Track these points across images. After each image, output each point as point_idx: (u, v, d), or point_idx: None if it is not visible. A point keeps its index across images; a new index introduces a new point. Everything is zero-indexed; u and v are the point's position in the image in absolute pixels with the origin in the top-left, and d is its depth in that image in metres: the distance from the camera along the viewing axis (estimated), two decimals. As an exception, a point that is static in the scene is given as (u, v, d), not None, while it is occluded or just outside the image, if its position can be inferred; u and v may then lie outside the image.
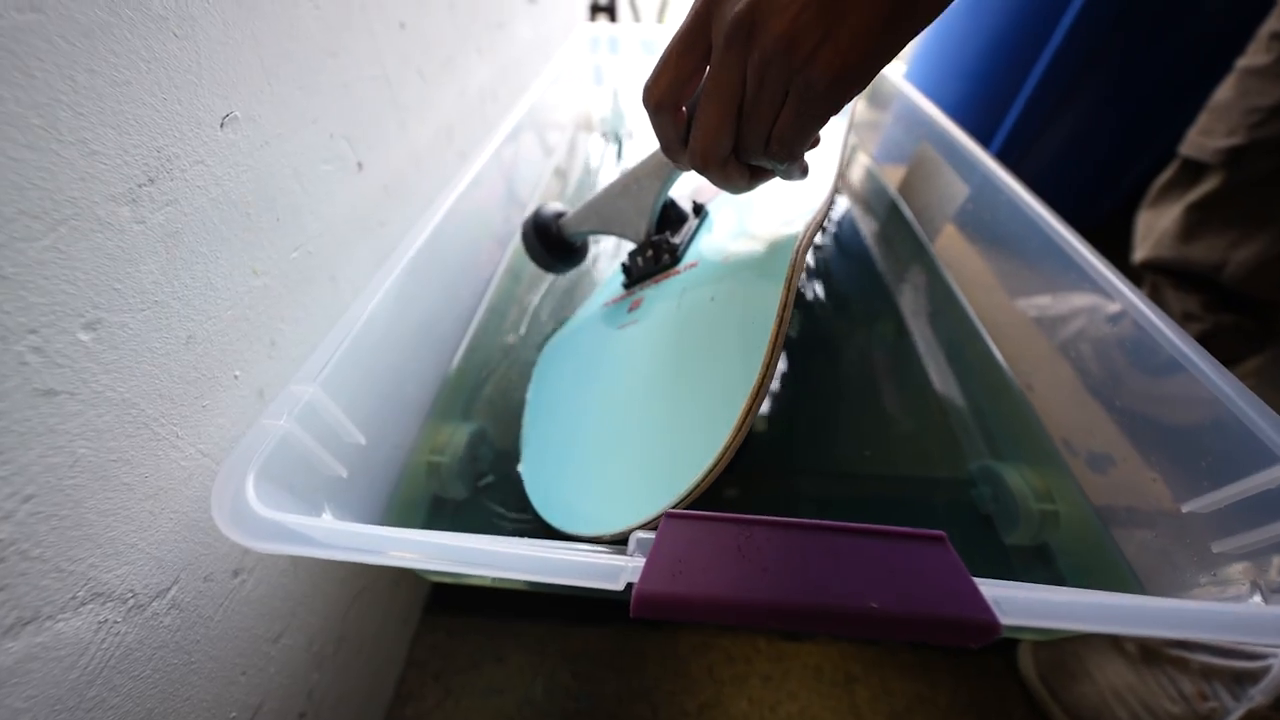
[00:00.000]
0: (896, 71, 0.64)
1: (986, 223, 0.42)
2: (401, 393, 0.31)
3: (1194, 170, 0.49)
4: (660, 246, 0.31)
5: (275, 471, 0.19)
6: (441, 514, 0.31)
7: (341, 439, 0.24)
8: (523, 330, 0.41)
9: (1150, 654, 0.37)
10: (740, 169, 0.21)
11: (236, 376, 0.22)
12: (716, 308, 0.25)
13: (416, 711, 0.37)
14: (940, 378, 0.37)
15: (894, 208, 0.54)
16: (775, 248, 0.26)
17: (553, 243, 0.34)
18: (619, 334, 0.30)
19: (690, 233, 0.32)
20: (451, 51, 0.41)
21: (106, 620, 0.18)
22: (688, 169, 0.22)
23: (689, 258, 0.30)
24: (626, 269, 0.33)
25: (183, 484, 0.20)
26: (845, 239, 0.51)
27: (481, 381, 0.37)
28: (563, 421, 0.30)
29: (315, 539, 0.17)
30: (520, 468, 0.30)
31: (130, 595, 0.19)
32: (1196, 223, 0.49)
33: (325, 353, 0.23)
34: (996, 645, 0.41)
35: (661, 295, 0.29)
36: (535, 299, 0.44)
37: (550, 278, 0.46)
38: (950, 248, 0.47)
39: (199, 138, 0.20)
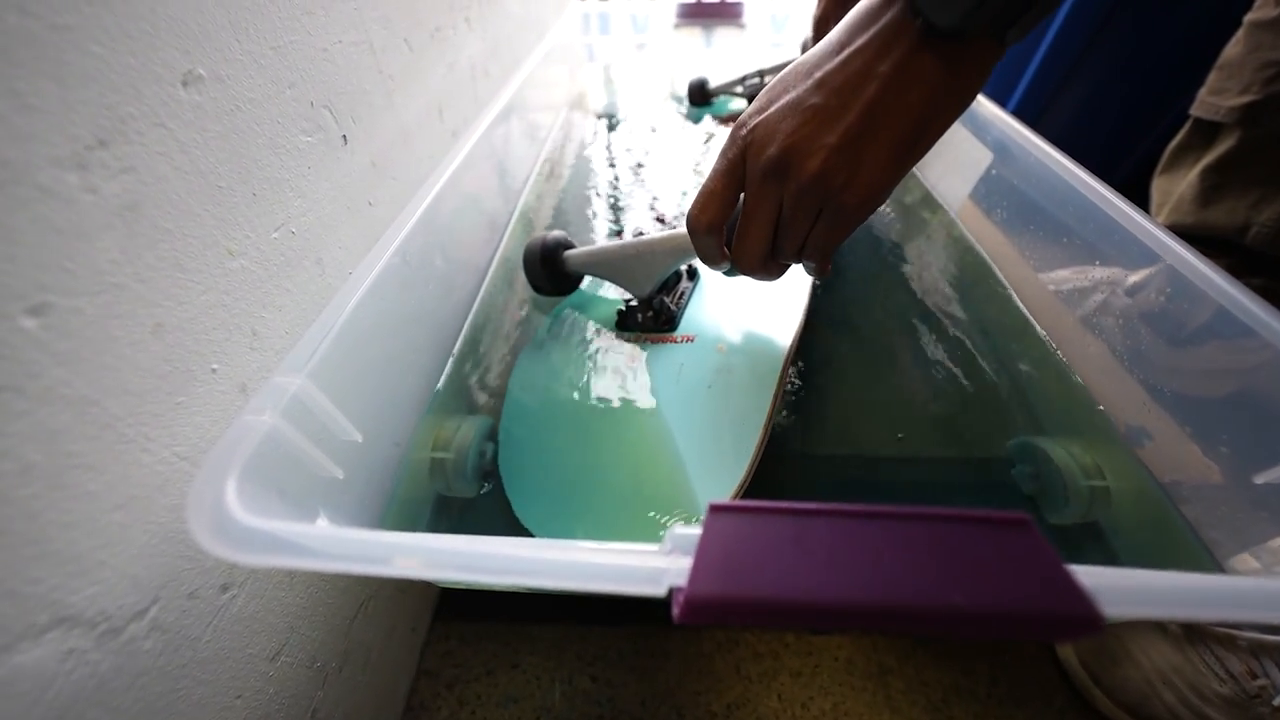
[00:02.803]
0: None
1: (1012, 189, 0.40)
2: (399, 385, 0.29)
3: (1208, 131, 0.47)
4: (661, 310, 0.34)
5: (261, 473, 0.17)
6: (446, 515, 0.29)
7: (336, 436, 0.21)
8: (523, 313, 0.39)
9: (1195, 633, 0.35)
10: (776, 267, 0.25)
11: (215, 370, 0.20)
12: (714, 395, 0.29)
13: (429, 723, 0.35)
14: (974, 353, 0.35)
15: (911, 178, 0.51)
16: (764, 356, 0.30)
17: (554, 271, 0.36)
18: (617, 377, 0.31)
19: (687, 296, 0.35)
20: (440, 21, 0.38)
21: (75, 648, 0.16)
22: (723, 271, 0.27)
23: (686, 326, 0.34)
24: (624, 316, 0.35)
25: (157, 491, 0.18)
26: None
27: (485, 372, 0.35)
28: (560, 450, 0.29)
29: (312, 549, 0.15)
30: (507, 490, 0.28)
31: (102, 619, 0.16)
32: (1215, 185, 0.47)
33: (312, 341, 0.21)
34: (1031, 629, 0.39)
35: (659, 359, 0.32)
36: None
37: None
38: (966, 224, 0.45)
39: (158, 97, 0.17)
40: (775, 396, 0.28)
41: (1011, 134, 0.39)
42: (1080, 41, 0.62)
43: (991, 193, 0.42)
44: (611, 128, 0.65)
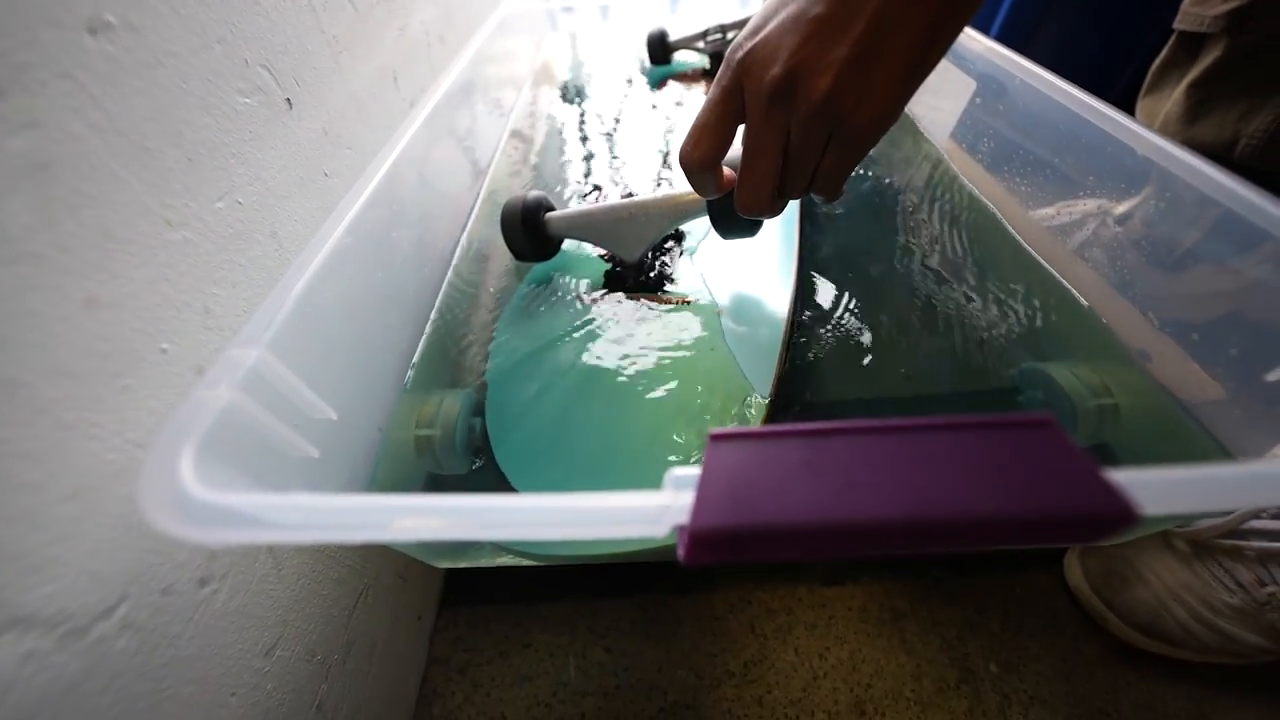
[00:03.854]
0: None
1: (998, 120, 0.38)
2: (373, 361, 0.27)
3: (1193, 44, 0.45)
4: (653, 272, 0.33)
5: (223, 450, 0.15)
6: (441, 490, 0.27)
7: (306, 413, 0.20)
8: (502, 283, 0.37)
9: (1202, 548, 0.35)
10: (782, 203, 0.23)
11: (165, 350, 0.18)
12: (718, 356, 0.29)
13: (444, 710, 0.34)
14: (973, 285, 0.34)
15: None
16: (765, 318, 0.30)
17: (535, 235, 0.33)
18: (608, 343, 0.30)
19: (675, 258, 0.34)
20: (384, -21, 0.36)
21: (34, 650, 0.14)
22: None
23: (679, 289, 0.33)
24: (612, 278, 0.34)
25: (112, 481, 0.16)
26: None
27: (465, 344, 0.34)
28: (556, 415, 0.28)
29: (283, 521, 0.13)
30: (500, 461, 0.27)
31: (63, 618, 0.15)
32: (1201, 100, 0.45)
33: (268, 313, 0.19)
34: (1040, 558, 0.39)
35: (656, 321, 0.31)
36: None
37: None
38: (953, 159, 0.43)
39: (60, 44, 0.16)
40: (781, 356, 0.27)
41: (996, 59, 0.38)
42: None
43: (976, 125, 0.41)
44: (580, 97, 0.62)
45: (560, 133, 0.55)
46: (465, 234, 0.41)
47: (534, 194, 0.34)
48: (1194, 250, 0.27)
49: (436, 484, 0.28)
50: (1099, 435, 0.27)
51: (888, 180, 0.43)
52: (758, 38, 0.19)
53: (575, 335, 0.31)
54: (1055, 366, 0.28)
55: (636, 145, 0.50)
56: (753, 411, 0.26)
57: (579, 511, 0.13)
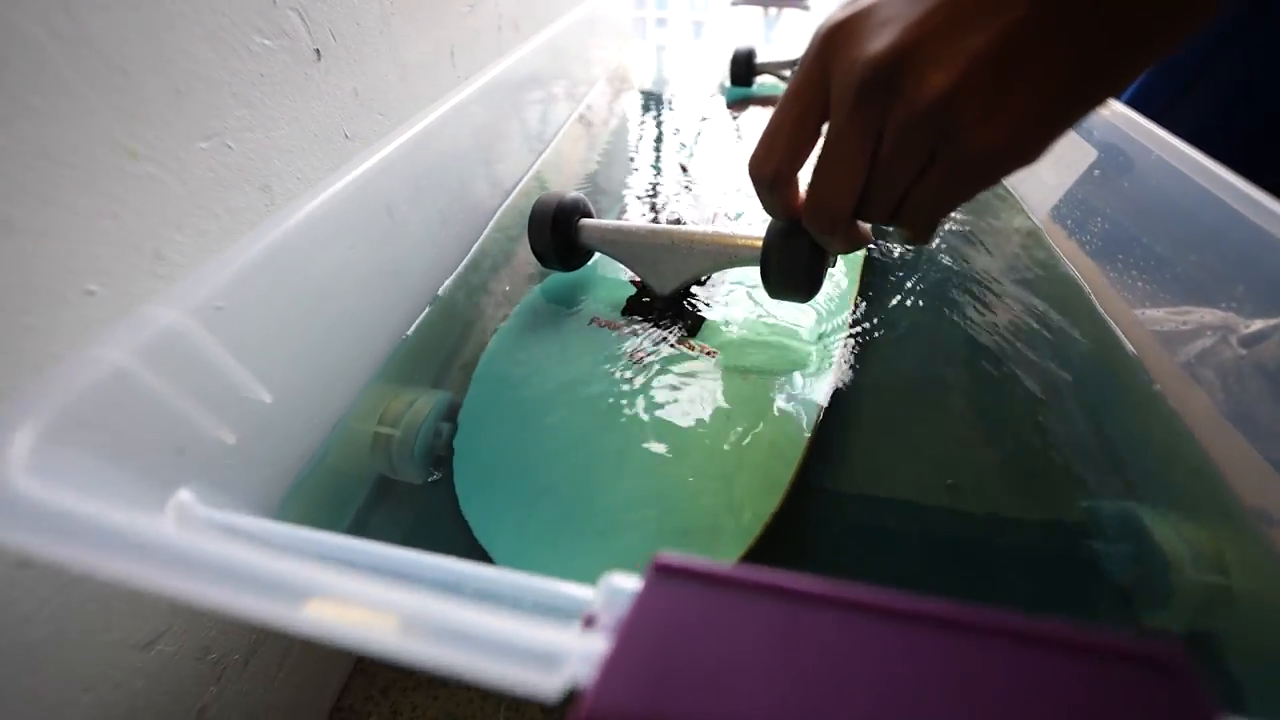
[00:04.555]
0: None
1: (1119, 198, 0.32)
2: (344, 342, 0.25)
3: None
4: (682, 312, 0.29)
5: (90, 428, 0.13)
6: (387, 499, 0.24)
7: (228, 391, 0.17)
8: (520, 285, 0.34)
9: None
10: (859, 232, 0.18)
11: (92, 292, 0.16)
12: (733, 426, 0.24)
13: (354, 731, 0.31)
14: (1051, 387, 0.28)
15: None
16: (797, 395, 0.25)
17: (564, 240, 0.29)
18: (614, 381, 0.26)
19: (715, 297, 0.30)
20: (462, -49, 0.35)
21: None
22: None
23: (706, 336, 0.28)
24: (634, 304, 0.30)
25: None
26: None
27: (459, 340, 0.31)
28: (530, 449, 0.24)
29: (77, 541, 0.10)
30: (456, 484, 0.23)
31: None
32: None
33: (212, 271, 0.17)
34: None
35: (672, 368, 0.26)
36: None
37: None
38: (1051, 235, 0.37)
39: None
40: (807, 448, 0.23)
41: (1126, 128, 0.32)
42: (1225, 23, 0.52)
43: (1088, 203, 0.35)
44: (653, 107, 0.60)
45: (621, 138, 0.53)
46: (493, 222, 0.38)
47: (572, 194, 0.30)
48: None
49: (385, 489, 0.25)
50: (1198, 621, 0.20)
51: (969, 246, 0.38)
52: (856, 8, 0.14)
53: (579, 363, 0.27)
54: (1153, 514, 0.22)
55: (697, 165, 0.47)
56: (758, 505, 0.21)
57: (430, 629, 0.09)
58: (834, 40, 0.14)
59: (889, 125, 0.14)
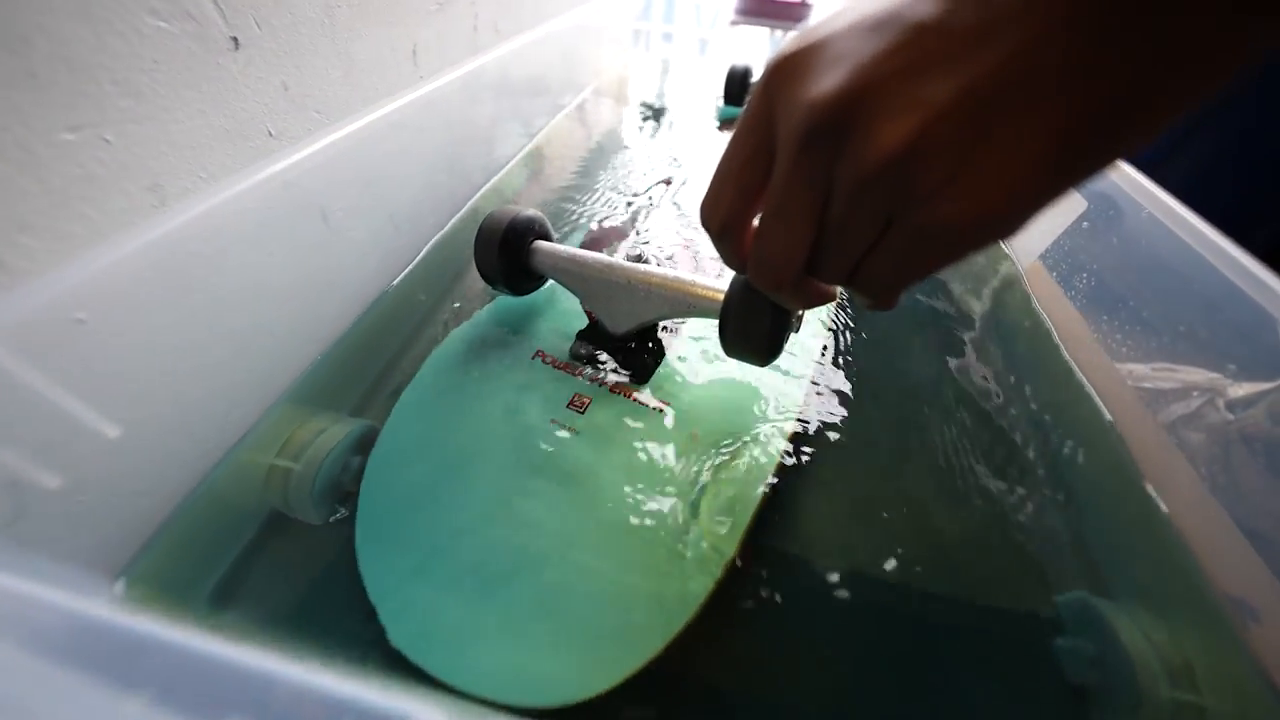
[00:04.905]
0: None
1: (1108, 252, 0.31)
2: (245, 359, 0.22)
3: None
4: (634, 357, 0.26)
5: None
6: (279, 539, 0.22)
7: (54, 427, 0.15)
8: (469, 302, 0.32)
9: None
10: (816, 289, 0.16)
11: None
12: (672, 493, 0.22)
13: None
14: (1023, 456, 0.26)
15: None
16: (746, 465, 0.23)
17: (514, 262, 0.27)
18: (551, 428, 0.23)
19: (664, 349, 0.28)
20: (430, -55, 0.33)
21: None
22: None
23: (657, 388, 0.26)
24: (584, 339, 0.27)
25: None
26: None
27: (394, 363, 0.28)
28: (444, 497, 0.21)
29: None
30: (357, 530, 0.20)
31: None
32: None
33: (75, 274, 0.14)
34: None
35: (615, 419, 0.24)
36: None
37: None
38: (1034, 287, 0.36)
39: None
40: (748, 528, 0.21)
41: (1119, 181, 0.30)
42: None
43: (1075, 254, 0.33)
44: (646, 121, 0.58)
45: (603, 151, 0.51)
46: (444, 232, 0.36)
47: (527, 212, 0.27)
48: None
49: (278, 526, 0.22)
50: (1168, 742, 0.18)
51: (944, 293, 0.36)
52: (810, 39, 0.12)
53: (513, 402, 0.24)
54: (1119, 612, 0.20)
55: (680, 184, 0.45)
56: (701, 580, 0.19)
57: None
58: (781, 75, 0.12)
59: (837, 182, 0.12)
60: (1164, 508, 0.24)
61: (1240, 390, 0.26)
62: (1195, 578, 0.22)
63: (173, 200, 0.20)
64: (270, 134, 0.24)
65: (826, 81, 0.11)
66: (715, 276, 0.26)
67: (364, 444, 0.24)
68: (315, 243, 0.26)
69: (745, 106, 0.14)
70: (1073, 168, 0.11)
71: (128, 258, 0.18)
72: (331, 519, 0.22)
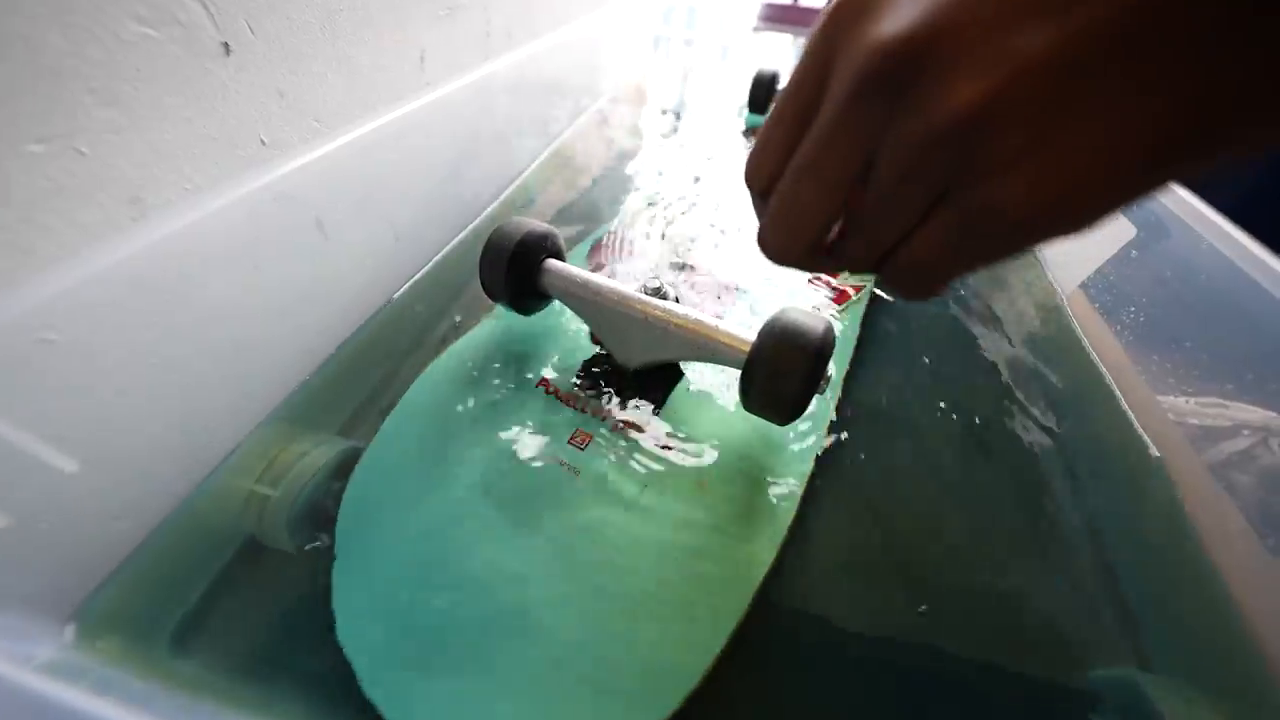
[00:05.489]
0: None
1: (1158, 282, 0.28)
2: (232, 378, 0.21)
3: None
4: (647, 392, 0.25)
5: None
6: (254, 566, 0.21)
7: (12, 454, 0.14)
8: (472, 317, 0.31)
9: None
10: (831, 263, 0.13)
11: None
12: (677, 544, 0.20)
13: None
14: (1058, 504, 0.24)
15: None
16: (755, 515, 0.21)
17: (522, 280, 0.25)
18: (550, 467, 0.22)
19: (673, 384, 0.25)
20: (441, -52, 0.32)
21: None
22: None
23: (667, 420, 0.24)
24: (592, 366, 0.26)
25: None
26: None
27: (387, 381, 0.27)
28: (426, 532, 0.20)
29: None
30: (335, 564, 0.19)
31: None
32: None
33: (38, 290, 0.13)
34: None
35: (618, 466, 0.22)
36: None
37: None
38: (1079, 319, 0.33)
39: None
40: (757, 588, 0.19)
41: (1170, 205, 0.28)
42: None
43: (1121, 284, 0.30)
44: (668, 130, 0.57)
45: (621, 160, 0.49)
46: (450, 246, 0.35)
47: (541, 227, 0.25)
48: None
49: (252, 555, 0.21)
50: None
51: (977, 316, 0.33)
52: None
53: (511, 433, 0.23)
54: (1167, 693, 0.18)
55: (698, 202, 0.43)
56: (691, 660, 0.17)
57: None
58: (845, 11, 0.11)
59: (888, 141, 0.10)
60: (1219, 565, 0.22)
61: None
62: (1248, 650, 0.19)
63: (154, 212, 0.19)
64: (263, 142, 0.23)
65: (898, 21, 0.10)
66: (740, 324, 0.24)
67: (349, 466, 0.23)
68: (310, 256, 0.25)
69: (801, 52, 0.12)
70: (1170, 162, 0.09)
71: (102, 273, 0.17)
72: (308, 547, 0.21)
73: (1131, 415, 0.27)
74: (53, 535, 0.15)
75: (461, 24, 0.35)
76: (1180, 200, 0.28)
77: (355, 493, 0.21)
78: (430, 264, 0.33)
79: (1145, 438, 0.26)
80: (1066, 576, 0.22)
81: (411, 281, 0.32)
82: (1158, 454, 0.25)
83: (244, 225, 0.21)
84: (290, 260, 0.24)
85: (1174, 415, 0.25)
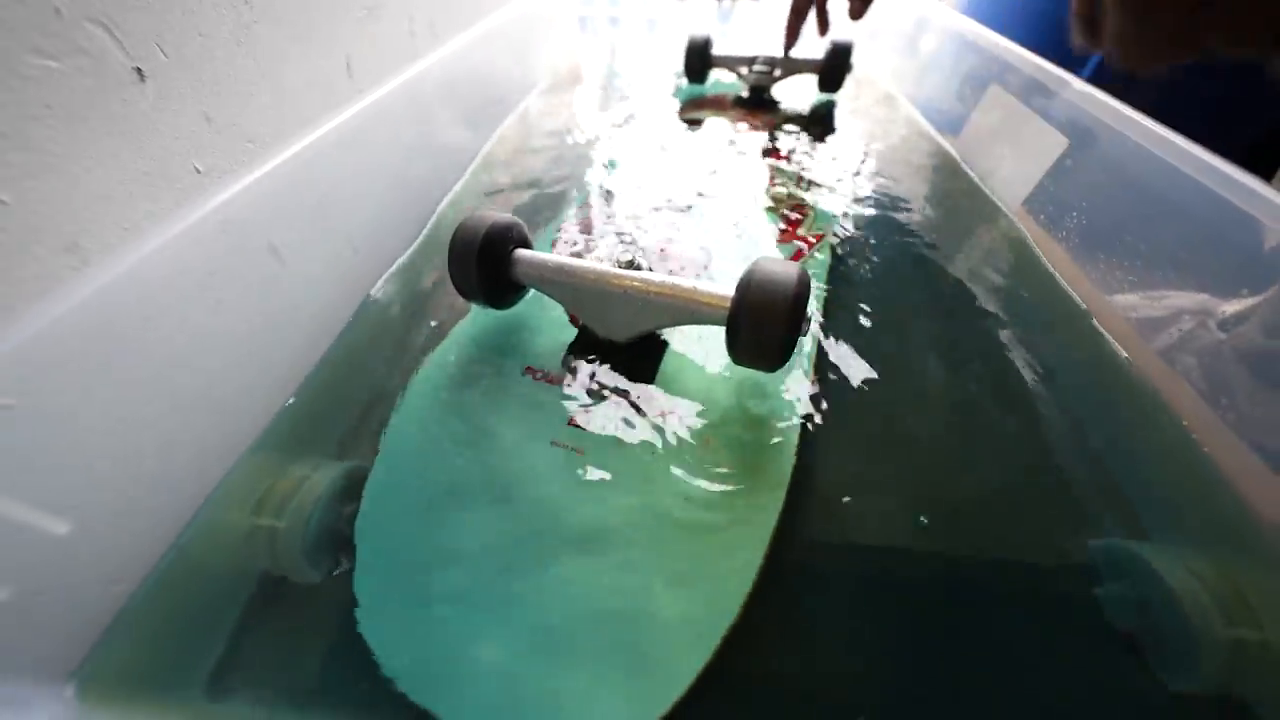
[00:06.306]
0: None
1: (1094, 185, 0.30)
2: (191, 415, 0.20)
3: None
4: (636, 357, 0.25)
5: None
6: (280, 598, 0.20)
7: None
8: (454, 316, 0.30)
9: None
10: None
11: None
12: (692, 506, 0.20)
13: None
14: (1045, 409, 0.25)
15: (957, 175, 0.42)
16: (762, 466, 0.22)
17: (495, 274, 0.24)
18: (553, 451, 0.22)
19: (658, 360, 0.26)
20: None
21: None
22: None
23: (662, 386, 0.24)
24: (581, 342, 0.26)
25: None
26: (888, 221, 0.38)
27: (374, 398, 0.27)
28: (450, 536, 0.20)
29: None
30: (356, 591, 0.18)
31: None
32: None
33: None
34: None
35: (620, 437, 0.22)
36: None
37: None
38: (1030, 233, 0.35)
39: None
40: (773, 532, 0.19)
41: (1095, 109, 0.29)
42: None
43: (1062, 193, 0.32)
44: (605, 110, 0.56)
45: (565, 145, 0.49)
46: (412, 249, 0.34)
47: (504, 218, 0.25)
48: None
49: (272, 589, 0.20)
50: (1228, 682, 0.17)
51: (937, 251, 0.35)
52: None
53: (506, 429, 0.23)
54: (1162, 553, 0.19)
55: (647, 178, 0.43)
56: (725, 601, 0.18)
57: None
58: None
59: None
60: (1193, 436, 0.23)
61: (1231, 307, 0.25)
62: (1231, 504, 0.21)
63: (96, 258, 0.18)
64: (199, 171, 0.22)
65: None
66: (696, 276, 0.24)
67: (354, 487, 0.22)
68: (269, 281, 0.24)
69: None
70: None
71: (51, 330, 0.16)
72: (335, 573, 0.21)
73: (1090, 313, 0.29)
74: (47, 600, 0.15)
75: (384, 24, 0.34)
76: (1104, 105, 0.29)
77: (370, 511, 0.21)
78: (395, 269, 0.33)
79: (1104, 331, 0.28)
80: (1054, 469, 0.23)
81: (379, 292, 0.31)
82: (1119, 343, 0.27)
83: (194, 260, 0.20)
84: (249, 289, 0.23)
85: (1125, 309, 0.27)
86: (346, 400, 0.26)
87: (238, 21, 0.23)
